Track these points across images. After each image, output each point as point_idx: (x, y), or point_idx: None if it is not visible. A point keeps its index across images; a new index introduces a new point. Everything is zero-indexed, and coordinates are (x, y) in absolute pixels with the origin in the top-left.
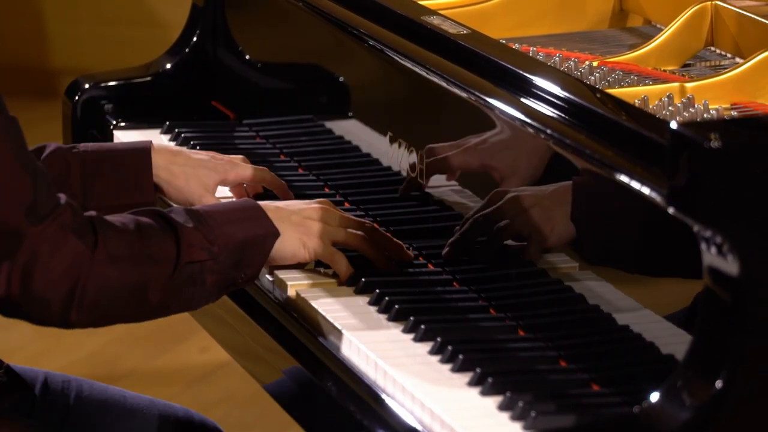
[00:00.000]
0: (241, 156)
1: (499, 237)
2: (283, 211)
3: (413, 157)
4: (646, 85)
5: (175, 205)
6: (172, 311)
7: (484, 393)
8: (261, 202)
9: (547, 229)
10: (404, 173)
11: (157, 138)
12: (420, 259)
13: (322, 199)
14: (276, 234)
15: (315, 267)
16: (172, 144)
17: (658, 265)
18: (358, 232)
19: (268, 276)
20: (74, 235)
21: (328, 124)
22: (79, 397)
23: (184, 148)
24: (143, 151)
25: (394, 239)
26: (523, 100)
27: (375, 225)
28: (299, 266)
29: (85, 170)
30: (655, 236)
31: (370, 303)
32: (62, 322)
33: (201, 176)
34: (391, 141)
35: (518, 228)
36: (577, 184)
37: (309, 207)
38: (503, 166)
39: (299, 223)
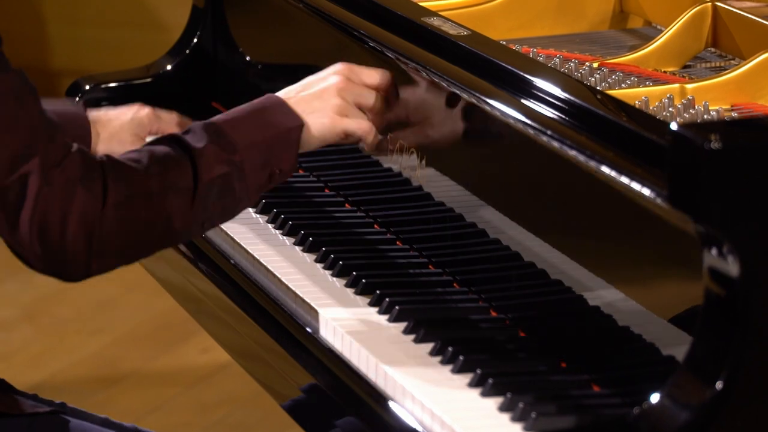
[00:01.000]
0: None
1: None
2: (305, 98)
3: (413, 159)
4: (646, 86)
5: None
6: (207, 228)
7: (484, 394)
8: (282, 93)
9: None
10: (404, 174)
11: None
12: (421, 259)
13: (337, 68)
14: (300, 125)
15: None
16: None
17: None
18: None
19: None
20: (82, 186)
21: None
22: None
23: (110, 112)
24: (83, 122)
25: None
26: (523, 101)
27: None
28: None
29: None
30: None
31: (371, 304)
32: (86, 273)
33: (124, 138)
34: (392, 142)
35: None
36: None
37: (328, 85)
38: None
39: (322, 107)
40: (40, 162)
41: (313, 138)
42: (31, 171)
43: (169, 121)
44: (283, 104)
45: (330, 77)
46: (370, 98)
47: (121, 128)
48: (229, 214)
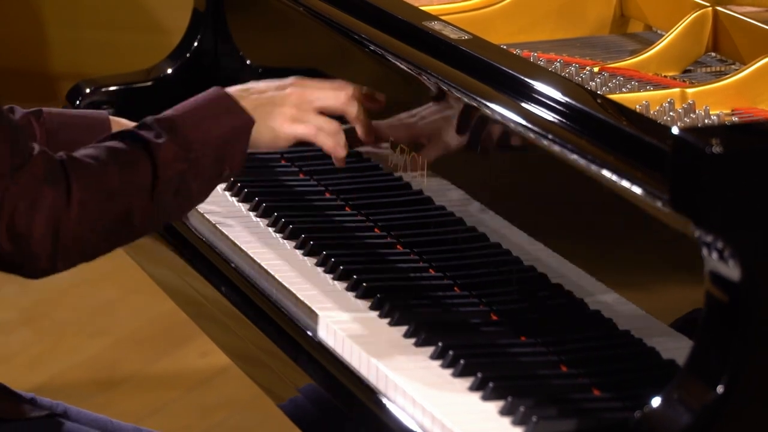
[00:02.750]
0: None
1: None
2: (256, 100)
3: (414, 163)
4: (647, 90)
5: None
6: (163, 223)
7: (485, 398)
8: (230, 89)
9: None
10: (405, 179)
11: None
12: (421, 263)
13: (296, 80)
14: (251, 122)
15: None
16: None
17: None
18: (323, 125)
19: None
20: (47, 185)
21: None
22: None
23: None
24: (101, 123)
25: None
26: (524, 105)
27: (354, 93)
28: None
29: (49, 138)
30: None
31: (371, 307)
32: (50, 270)
33: None
34: (393, 146)
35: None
36: None
37: (282, 83)
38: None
39: (272, 113)
40: (7, 162)
41: (261, 141)
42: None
43: None
44: (234, 102)
45: (285, 86)
46: (323, 100)
47: None
48: (185, 210)
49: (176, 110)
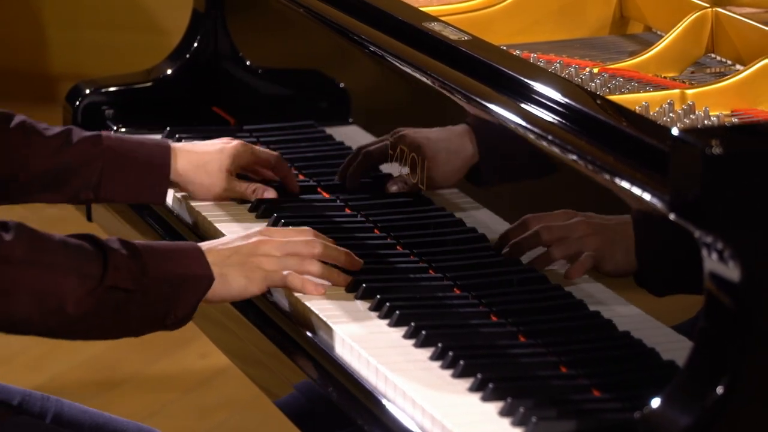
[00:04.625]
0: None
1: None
2: (222, 252)
3: (414, 164)
4: (646, 91)
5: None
6: (91, 336)
7: (485, 398)
8: (202, 244)
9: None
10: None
11: None
12: (421, 264)
13: (259, 230)
14: (210, 278)
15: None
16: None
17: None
18: (292, 270)
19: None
20: None
21: (329, 130)
22: (57, 417)
23: (197, 143)
24: (163, 151)
25: (339, 248)
26: (523, 106)
27: (317, 236)
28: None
29: (104, 166)
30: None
31: (371, 308)
32: None
33: (211, 170)
34: (392, 147)
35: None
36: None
37: (249, 242)
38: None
39: (240, 262)
40: None
41: (231, 290)
42: None
43: (265, 158)
44: (201, 253)
45: (252, 236)
46: (292, 246)
47: (209, 157)
48: (111, 334)
49: (144, 243)
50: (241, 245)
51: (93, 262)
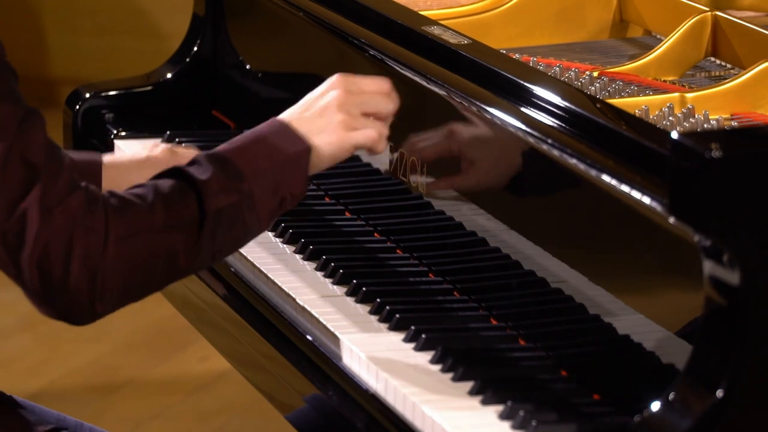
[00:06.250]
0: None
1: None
2: (308, 119)
3: (414, 168)
4: (646, 95)
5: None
6: (218, 259)
7: (485, 402)
8: (284, 115)
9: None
10: (405, 183)
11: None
12: (421, 268)
13: (334, 81)
14: (308, 148)
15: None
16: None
17: None
18: (375, 127)
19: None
20: (83, 225)
21: None
22: None
23: (117, 155)
24: (95, 165)
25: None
26: (523, 109)
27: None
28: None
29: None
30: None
31: (371, 312)
32: (91, 314)
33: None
34: (392, 150)
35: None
36: None
37: (329, 101)
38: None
39: (327, 125)
40: (40, 199)
41: (324, 158)
42: (29, 207)
43: (187, 157)
44: (287, 128)
45: (329, 92)
46: (373, 105)
47: (137, 169)
48: (241, 243)
49: (229, 143)
50: (324, 106)
51: (189, 207)
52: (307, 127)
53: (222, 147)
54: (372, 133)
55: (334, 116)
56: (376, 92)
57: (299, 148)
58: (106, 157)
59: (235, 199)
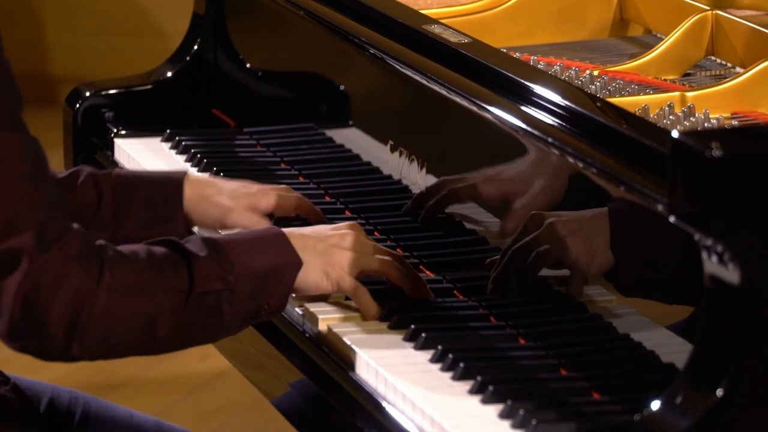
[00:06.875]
0: (278, 186)
1: (537, 264)
2: (308, 239)
3: (414, 167)
4: (646, 94)
5: (195, 233)
6: (188, 344)
7: (485, 401)
8: (286, 230)
9: (589, 257)
10: (405, 182)
11: (158, 146)
12: (420, 267)
13: (351, 223)
14: (299, 264)
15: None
16: (192, 167)
17: (695, 294)
18: (387, 258)
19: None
20: (79, 265)
21: (329, 133)
22: (85, 415)
23: (216, 179)
24: (175, 182)
25: (418, 274)
26: (523, 108)
27: (401, 256)
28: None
29: (116, 200)
30: (694, 265)
31: None
32: (65, 355)
33: (229, 206)
34: (392, 149)
35: (558, 255)
36: (614, 212)
37: (337, 233)
38: (521, 190)
39: (324, 252)
40: (35, 236)
41: (308, 282)
42: (23, 246)
43: (287, 206)
44: (284, 238)
45: (341, 228)
46: (369, 264)
47: (226, 190)
48: (211, 337)
49: (226, 235)
50: (329, 235)
51: (179, 276)
52: (303, 245)
53: (219, 236)
54: (363, 292)
55: (335, 249)
56: (382, 254)
57: (291, 261)
58: (194, 174)
59: (220, 287)
